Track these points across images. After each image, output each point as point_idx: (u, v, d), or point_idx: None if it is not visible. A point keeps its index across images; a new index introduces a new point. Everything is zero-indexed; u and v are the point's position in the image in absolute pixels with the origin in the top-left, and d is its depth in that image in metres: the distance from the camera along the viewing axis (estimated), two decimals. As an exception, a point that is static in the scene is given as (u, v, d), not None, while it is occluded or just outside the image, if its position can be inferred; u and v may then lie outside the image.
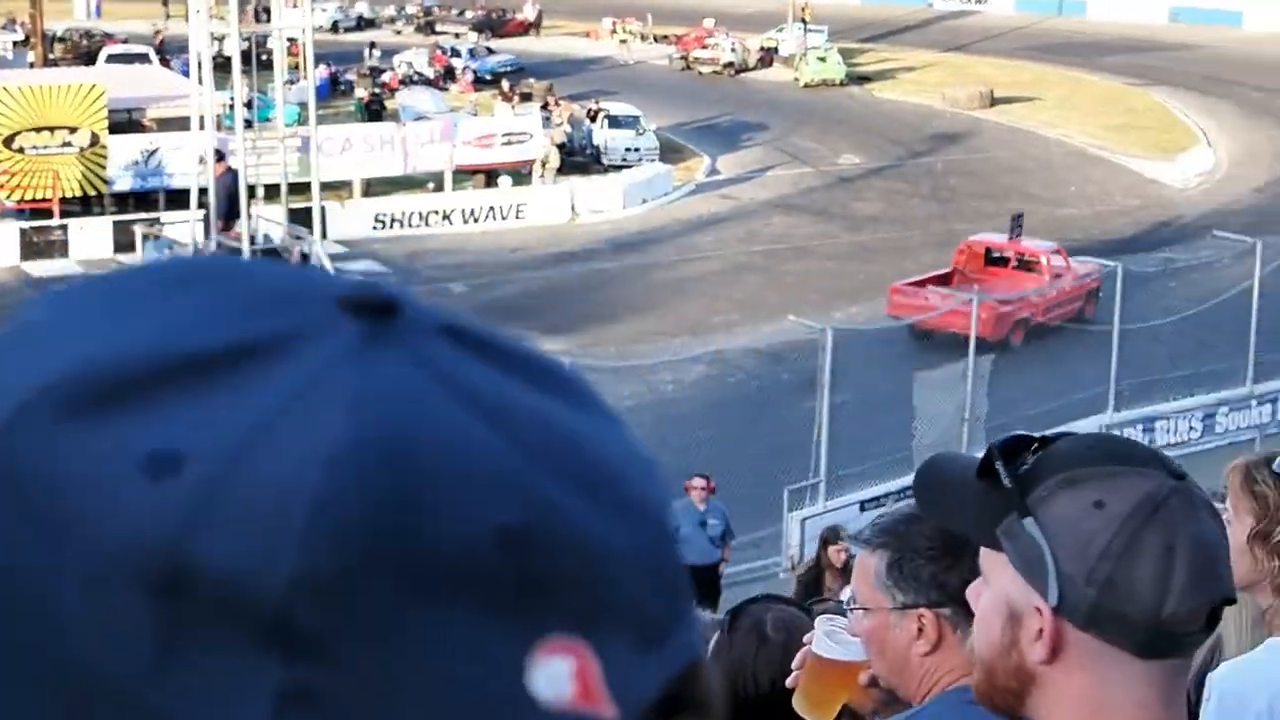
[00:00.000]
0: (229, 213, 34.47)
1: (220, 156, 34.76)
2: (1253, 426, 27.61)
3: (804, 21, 73.21)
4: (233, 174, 34.67)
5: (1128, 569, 1.66)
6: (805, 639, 3.24)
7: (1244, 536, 3.66)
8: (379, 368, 0.66)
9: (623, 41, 73.34)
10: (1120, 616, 1.69)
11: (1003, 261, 35.42)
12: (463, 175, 45.36)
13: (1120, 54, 72.47)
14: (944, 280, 33.63)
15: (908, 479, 23.83)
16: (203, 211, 34.96)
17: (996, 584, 1.78)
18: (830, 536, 14.32)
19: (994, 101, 61.58)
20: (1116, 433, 26.38)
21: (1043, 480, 1.73)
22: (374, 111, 52.18)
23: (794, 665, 3.18)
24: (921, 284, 33.44)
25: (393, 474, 0.62)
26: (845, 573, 13.49)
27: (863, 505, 23.46)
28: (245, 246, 32.64)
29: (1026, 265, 35.04)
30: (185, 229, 36.30)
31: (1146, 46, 74.49)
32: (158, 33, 63.32)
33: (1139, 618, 1.69)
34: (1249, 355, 28.20)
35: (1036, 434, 1.87)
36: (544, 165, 46.21)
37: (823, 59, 66.39)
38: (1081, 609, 1.70)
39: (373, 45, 66.65)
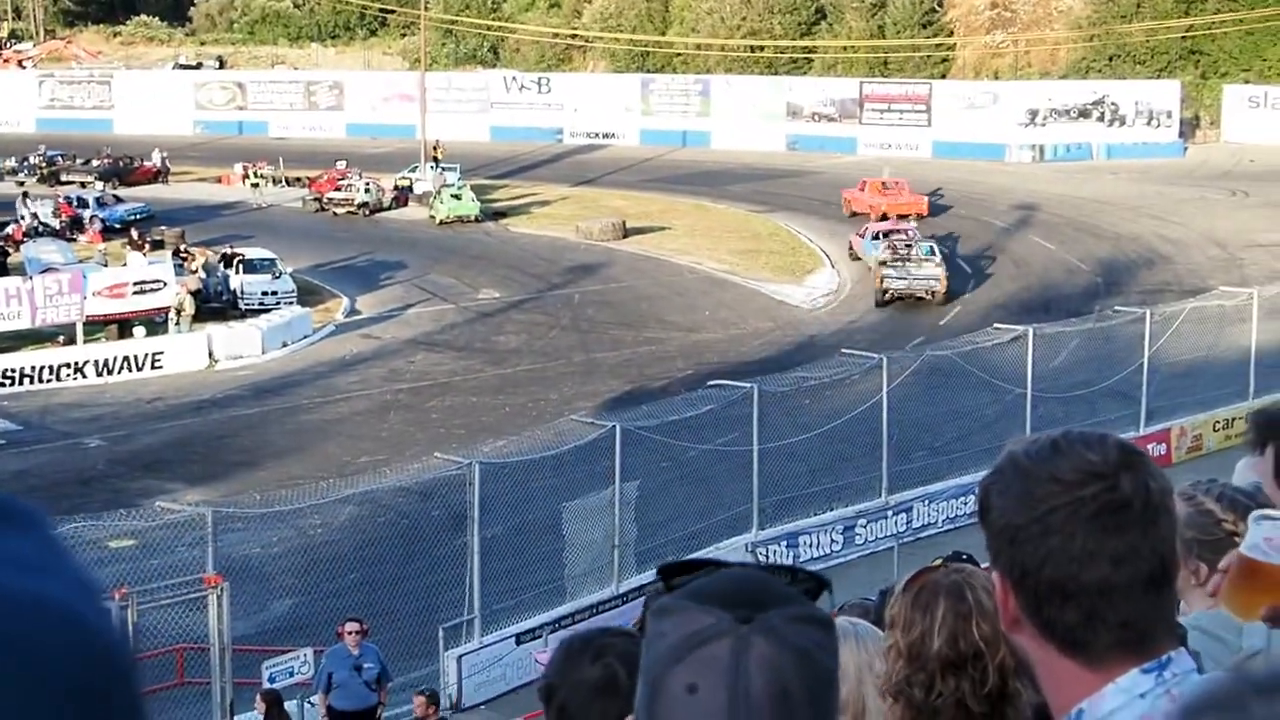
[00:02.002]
0: None
1: None
2: (890, 536, 28.55)
3: (436, 160, 73.74)
4: None
5: (657, 699, 1.69)
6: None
7: None
8: None
9: (255, 185, 72.73)
10: None
11: None
12: (94, 326, 44.19)
13: (743, 182, 74.94)
14: None
15: (562, 609, 24.08)
16: None
17: None
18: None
19: (626, 232, 62.86)
20: (762, 550, 27.07)
21: (652, 607, 1.80)
22: (-3, 265, 50.61)
23: (1220, 566, 3.11)
24: None
25: None
26: None
27: (519, 639, 23.49)
28: None
29: None
30: None
31: (767, 174, 77.18)
32: None
33: None
34: (883, 467, 29.23)
35: (708, 560, 1.88)
36: (179, 313, 45.40)
37: (457, 196, 66.89)
38: None
39: (26, 195, 65.00)
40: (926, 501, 29.53)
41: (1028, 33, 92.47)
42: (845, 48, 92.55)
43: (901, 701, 3.52)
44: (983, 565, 3.42)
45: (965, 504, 28.99)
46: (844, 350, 35.12)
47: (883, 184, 66.57)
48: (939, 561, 4.22)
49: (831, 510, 28.90)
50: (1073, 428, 2.22)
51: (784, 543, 27.66)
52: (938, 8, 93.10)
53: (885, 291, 50.66)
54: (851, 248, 57.58)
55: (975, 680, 3.43)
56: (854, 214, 64.48)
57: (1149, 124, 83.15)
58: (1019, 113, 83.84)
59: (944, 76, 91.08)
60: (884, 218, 60.98)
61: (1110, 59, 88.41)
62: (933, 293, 50.36)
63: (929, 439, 32.91)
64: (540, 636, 23.50)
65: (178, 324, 45.28)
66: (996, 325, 35.20)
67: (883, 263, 51.29)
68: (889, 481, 29.30)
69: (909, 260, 51.19)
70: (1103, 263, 55.42)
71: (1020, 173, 77.39)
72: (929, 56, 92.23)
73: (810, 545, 28.16)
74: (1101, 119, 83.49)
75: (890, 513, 29.17)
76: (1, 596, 0.78)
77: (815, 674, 1.72)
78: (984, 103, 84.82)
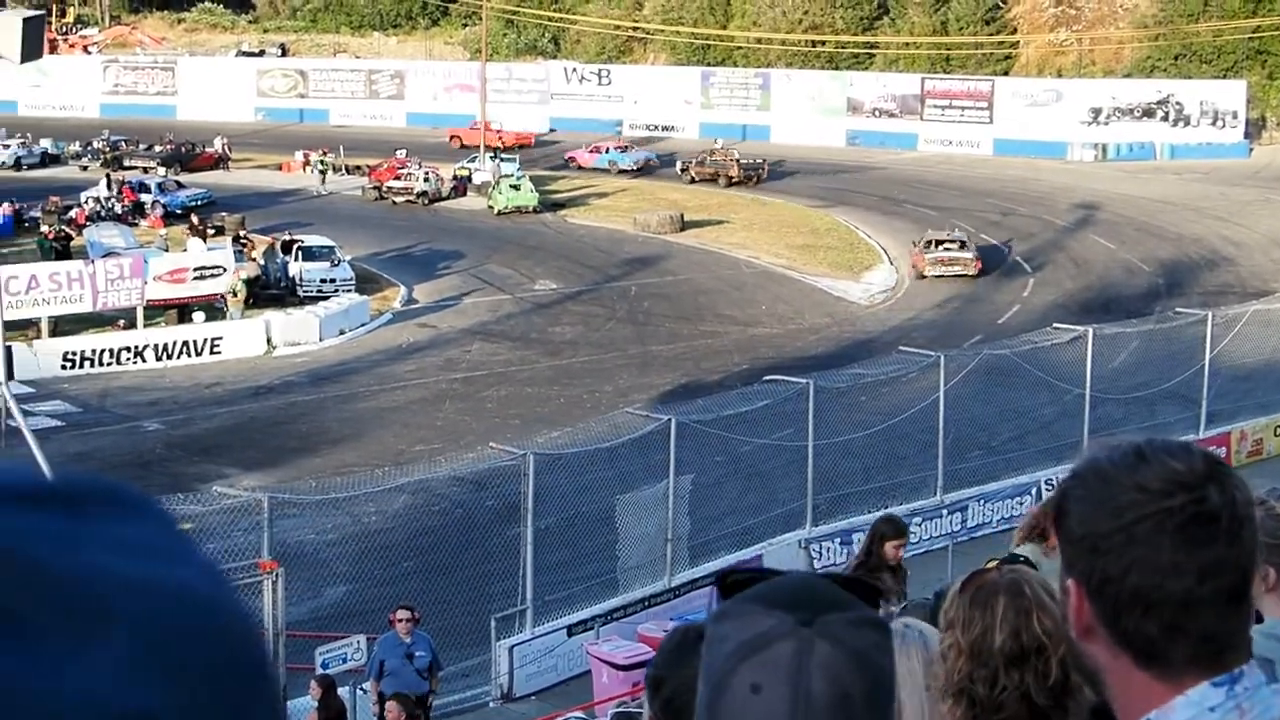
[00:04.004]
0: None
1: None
2: (945, 535, 28.38)
3: (496, 150, 73.84)
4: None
5: (720, 699, 1.73)
6: None
7: None
8: None
9: (321, 172, 72.94)
10: None
11: None
12: (155, 311, 44.47)
13: (802, 176, 74.73)
14: None
15: (614, 601, 24.05)
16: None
17: None
18: (888, 530, 12.23)
19: (684, 225, 62.82)
20: (815, 547, 26.99)
21: (712, 612, 1.83)
22: (61, 248, 50.93)
23: None
24: None
25: None
26: (900, 573, 12.08)
27: (570, 630, 23.48)
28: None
29: None
30: None
31: (827, 169, 76.94)
32: None
33: None
34: (938, 465, 29.06)
35: (764, 570, 1.94)
36: (233, 297, 45.61)
37: (516, 187, 67.00)
38: None
39: (109, 177, 65.84)
40: (981, 501, 29.36)
41: (1092, 30, 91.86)
42: (907, 43, 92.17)
43: (963, 701, 3.52)
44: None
45: (1020, 504, 28.80)
46: (901, 347, 34.99)
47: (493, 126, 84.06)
48: (994, 562, 4.18)
49: (886, 508, 28.70)
50: (1155, 436, 2.17)
51: (838, 540, 27.53)
52: (1001, 4, 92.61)
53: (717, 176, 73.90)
54: (576, 160, 78.89)
55: (1039, 673, 3.45)
56: (463, 146, 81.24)
57: (1214, 124, 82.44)
58: (1082, 111, 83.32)
59: (1006, 73, 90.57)
60: (509, 148, 80.00)
61: (1176, 58, 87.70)
62: (759, 176, 73.89)
63: (985, 438, 32.72)
64: (592, 629, 23.49)
65: (229, 309, 45.47)
66: (1056, 325, 34.95)
67: (700, 162, 75.22)
68: (944, 480, 29.14)
69: (716, 153, 76.17)
70: (1164, 264, 55.01)
71: (1082, 171, 76.90)
72: (991, 53, 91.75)
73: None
74: (1166, 119, 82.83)
75: (945, 512, 28.99)
76: (143, 585, 0.77)
77: (874, 676, 1.76)
78: (1047, 100, 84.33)
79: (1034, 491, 29.21)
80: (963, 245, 55.48)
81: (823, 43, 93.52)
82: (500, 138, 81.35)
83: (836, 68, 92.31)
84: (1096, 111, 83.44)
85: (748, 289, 52.95)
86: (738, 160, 74.78)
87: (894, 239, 60.44)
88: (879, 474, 29.76)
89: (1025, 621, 3.48)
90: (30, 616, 0.72)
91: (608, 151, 79.67)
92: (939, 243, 55.53)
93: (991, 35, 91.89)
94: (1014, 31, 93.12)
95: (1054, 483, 28.99)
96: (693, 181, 73.94)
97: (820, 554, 27.16)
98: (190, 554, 0.82)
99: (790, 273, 55.76)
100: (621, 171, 77.52)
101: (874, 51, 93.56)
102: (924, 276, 54.34)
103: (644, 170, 78.34)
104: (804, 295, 52.51)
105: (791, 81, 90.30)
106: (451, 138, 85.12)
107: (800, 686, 1.71)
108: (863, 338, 45.75)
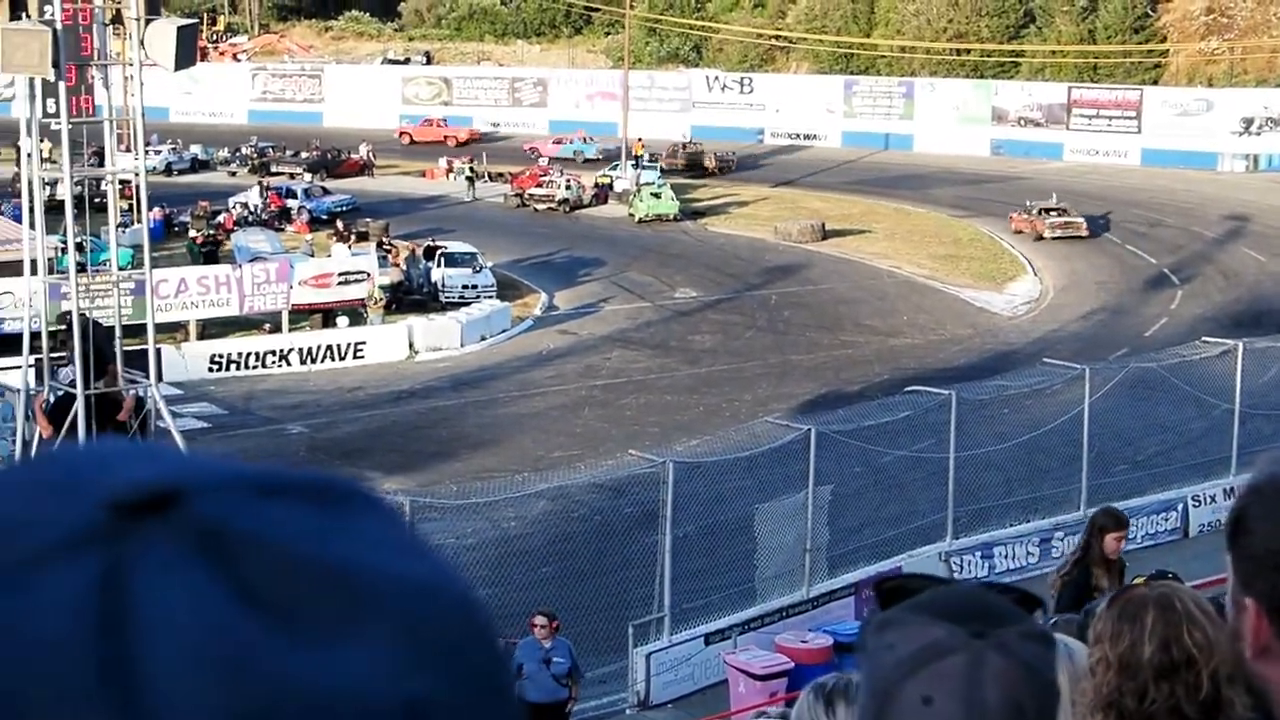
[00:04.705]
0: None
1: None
2: (1087, 549, 27.92)
3: (637, 158, 74.02)
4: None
5: (889, 709, 1.72)
6: None
7: None
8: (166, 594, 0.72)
9: (469, 180, 73.43)
10: None
11: None
12: (299, 315, 45.06)
13: (946, 186, 74.14)
14: None
15: (753, 611, 23.96)
16: (35, 357, 34.16)
17: None
18: (1108, 523, 11.96)
19: (825, 234, 62.53)
20: (956, 560, 26.72)
21: (873, 619, 1.84)
22: (209, 252, 51.77)
23: None
24: None
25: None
26: (1116, 568, 11.74)
27: (708, 639, 23.43)
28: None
29: None
30: (17, 375, 35.51)
31: (971, 179, 76.27)
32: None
33: None
34: (1082, 479, 28.63)
35: (923, 575, 1.96)
36: (374, 301, 46.08)
37: (657, 195, 67.10)
38: None
39: (261, 184, 67.21)
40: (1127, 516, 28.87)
41: (1244, 39, 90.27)
42: (1054, 52, 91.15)
43: (1112, 714, 3.51)
44: (1188, 582, 3.34)
45: (1166, 520, 28.34)
46: (1045, 360, 34.56)
47: (438, 124, 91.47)
48: (1142, 579, 4.12)
49: (1028, 522, 28.37)
50: None
51: (978, 553, 27.24)
52: (1151, 12, 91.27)
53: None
54: (538, 150, 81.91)
55: (1190, 686, 3.42)
56: (413, 142, 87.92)
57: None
58: (1233, 121, 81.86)
59: (1155, 83, 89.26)
60: (463, 143, 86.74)
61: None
62: (729, 167, 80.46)
63: (1130, 452, 32.20)
64: (729, 638, 23.42)
65: (369, 315, 45.93)
66: (1204, 338, 34.34)
67: (671, 154, 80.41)
68: (1088, 495, 28.68)
69: (687, 147, 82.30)
70: (1317, 277, 53.92)
71: (1233, 182, 75.58)
72: (1140, 62, 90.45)
73: (1005, 557, 27.70)
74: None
75: (1089, 526, 28.52)
76: (395, 578, 0.78)
77: (1044, 689, 1.77)
78: (1197, 110, 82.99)
79: (1180, 508, 28.72)
80: (1064, 211, 62.85)
81: (967, 51, 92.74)
82: (454, 136, 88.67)
83: (981, 76, 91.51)
84: (1248, 121, 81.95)
85: (889, 299, 52.60)
86: (714, 153, 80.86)
87: (1037, 250, 59.76)
88: (1021, 487, 29.39)
89: (1175, 634, 3.46)
90: (296, 607, 0.73)
91: (571, 143, 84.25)
92: (1047, 210, 63.08)
93: (1140, 44, 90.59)
94: (1163, 40, 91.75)
95: (1200, 499, 28.55)
96: (662, 172, 75.84)
97: (961, 567, 26.89)
98: (427, 549, 0.82)
99: (932, 283, 55.32)
100: (587, 160, 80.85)
101: (1020, 60, 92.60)
102: (1042, 238, 61.35)
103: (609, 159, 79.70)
104: (946, 306, 52.06)
105: (935, 90, 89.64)
106: (401, 134, 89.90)
107: (974, 699, 1.71)
108: (1005, 349, 45.26)
